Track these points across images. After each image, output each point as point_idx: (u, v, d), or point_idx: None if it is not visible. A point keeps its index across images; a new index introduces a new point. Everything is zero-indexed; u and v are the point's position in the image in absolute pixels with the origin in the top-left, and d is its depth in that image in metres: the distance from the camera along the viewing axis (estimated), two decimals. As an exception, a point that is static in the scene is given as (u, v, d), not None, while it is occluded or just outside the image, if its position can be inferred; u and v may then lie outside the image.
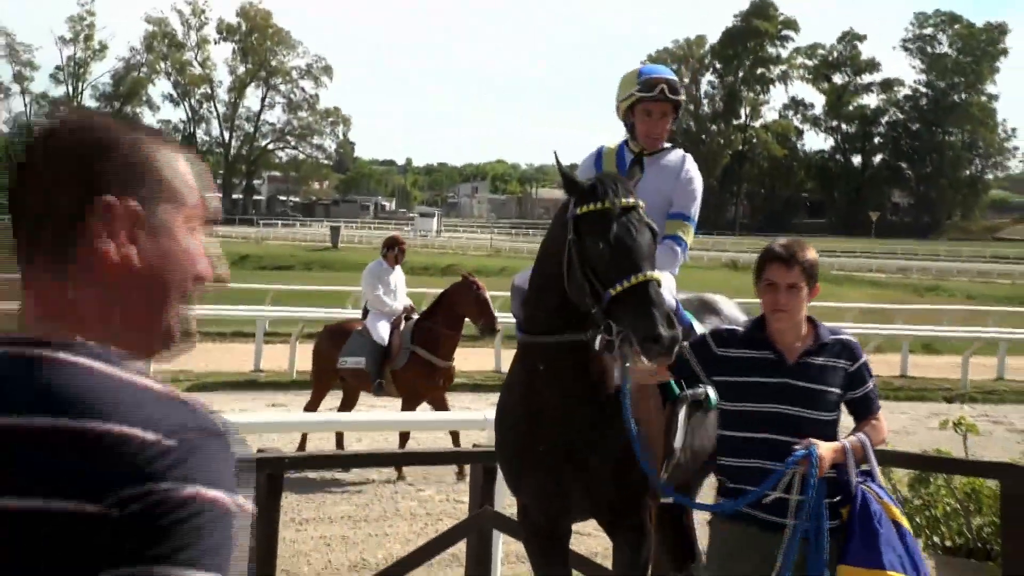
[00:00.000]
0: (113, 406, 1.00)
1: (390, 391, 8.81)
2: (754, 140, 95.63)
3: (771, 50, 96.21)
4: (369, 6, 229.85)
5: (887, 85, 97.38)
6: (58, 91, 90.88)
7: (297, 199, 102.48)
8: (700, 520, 5.16)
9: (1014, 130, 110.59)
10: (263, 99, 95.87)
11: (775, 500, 3.16)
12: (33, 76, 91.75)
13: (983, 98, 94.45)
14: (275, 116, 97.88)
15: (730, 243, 62.54)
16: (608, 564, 4.58)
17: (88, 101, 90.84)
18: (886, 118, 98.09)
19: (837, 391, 3.27)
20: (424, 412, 8.68)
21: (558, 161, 3.60)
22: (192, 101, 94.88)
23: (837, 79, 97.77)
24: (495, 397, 4.26)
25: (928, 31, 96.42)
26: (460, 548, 5.32)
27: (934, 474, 5.29)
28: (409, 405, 8.74)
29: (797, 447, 3.13)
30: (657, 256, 3.37)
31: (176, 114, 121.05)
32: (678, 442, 3.70)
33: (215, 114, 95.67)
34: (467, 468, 6.99)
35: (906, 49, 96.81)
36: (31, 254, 1.10)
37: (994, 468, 4.71)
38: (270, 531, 4.07)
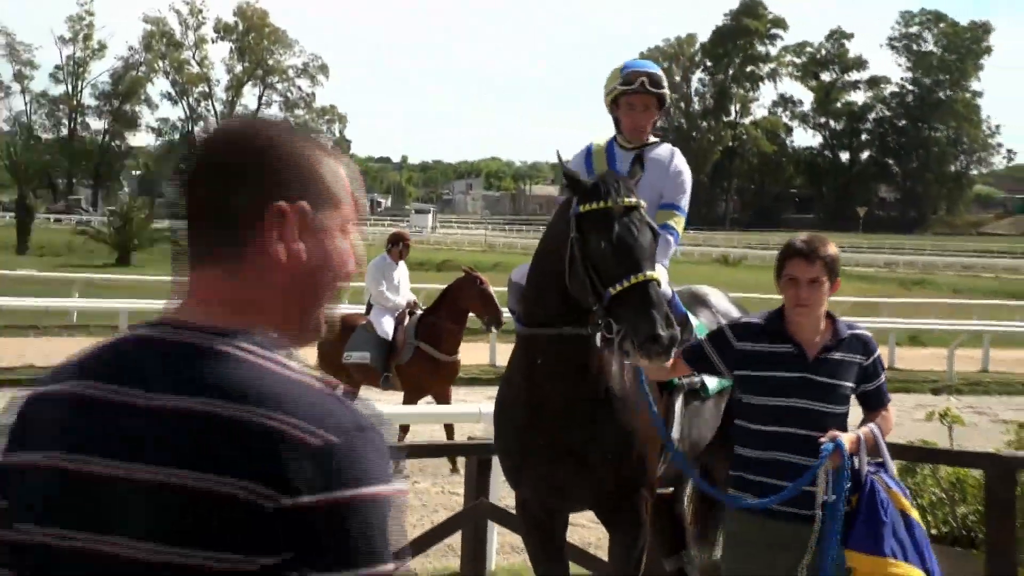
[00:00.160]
0: (281, 401, 1.04)
1: (395, 385, 8.81)
2: (744, 137, 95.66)
3: (760, 48, 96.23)
4: (369, 6, 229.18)
5: (874, 82, 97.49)
6: (58, 90, 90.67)
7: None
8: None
9: (998, 127, 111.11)
10: (260, 97, 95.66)
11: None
12: (33, 75, 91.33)
13: (968, 95, 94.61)
14: (272, 114, 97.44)
15: (721, 238, 62.58)
16: (602, 554, 4.59)
17: (88, 100, 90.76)
18: (873, 115, 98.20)
19: (852, 385, 3.29)
20: (420, 405, 8.67)
21: (560, 160, 3.61)
22: (190, 99, 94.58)
23: (825, 76, 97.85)
24: (490, 390, 4.26)
25: (914, 29, 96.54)
26: (455, 539, 5.33)
27: (920, 464, 5.31)
28: (411, 399, 8.74)
29: (823, 440, 3.13)
30: None
31: (174, 112, 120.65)
32: (675, 432, 3.70)
33: (213, 112, 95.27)
34: (460, 461, 7.00)
35: (892, 47, 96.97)
36: (204, 255, 1.16)
37: (978, 458, 4.73)
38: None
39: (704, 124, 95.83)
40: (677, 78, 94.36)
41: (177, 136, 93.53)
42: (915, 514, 3.30)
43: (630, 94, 3.88)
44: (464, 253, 38.00)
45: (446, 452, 7.46)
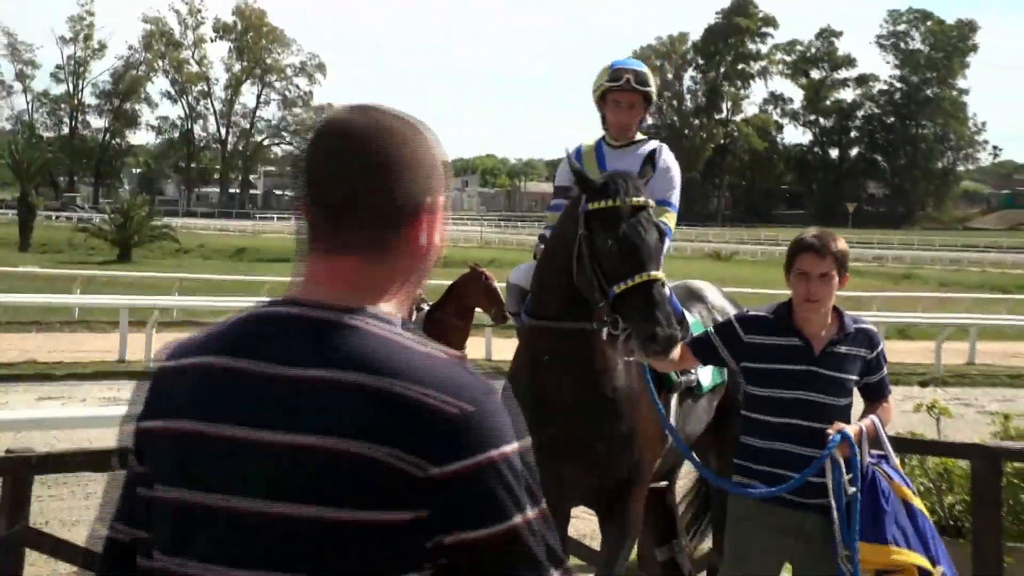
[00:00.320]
0: (417, 372, 1.10)
1: None
2: (735, 134, 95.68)
3: (751, 46, 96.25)
4: (369, 6, 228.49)
5: (863, 80, 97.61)
6: (59, 89, 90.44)
7: (292, 193, 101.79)
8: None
9: (984, 124, 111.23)
10: (258, 96, 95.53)
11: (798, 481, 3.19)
12: (34, 74, 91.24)
13: (954, 93, 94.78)
14: (270, 112, 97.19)
15: (713, 234, 62.63)
16: (596, 545, 4.60)
17: (88, 98, 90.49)
18: (862, 112, 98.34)
19: (856, 378, 3.29)
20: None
21: (570, 158, 3.60)
22: (189, 98, 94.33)
23: (815, 74, 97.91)
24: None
25: (901, 28, 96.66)
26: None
27: (909, 455, 5.32)
28: None
29: (830, 432, 3.13)
30: None
31: (174, 111, 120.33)
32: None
33: (212, 111, 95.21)
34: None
35: (880, 45, 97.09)
36: (345, 245, 1.19)
37: (965, 449, 4.74)
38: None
39: (696, 122, 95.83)
40: (669, 76, 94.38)
41: (177, 134, 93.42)
42: (918, 503, 3.30)
43: (616, 91, 3.88)
44: (460, 249, 37.98)
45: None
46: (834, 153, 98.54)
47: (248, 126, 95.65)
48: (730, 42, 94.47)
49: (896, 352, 16.79)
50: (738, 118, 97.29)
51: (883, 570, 3.17)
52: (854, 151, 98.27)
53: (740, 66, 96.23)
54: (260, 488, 1.09)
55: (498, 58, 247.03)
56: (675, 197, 3.97)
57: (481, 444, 1.08)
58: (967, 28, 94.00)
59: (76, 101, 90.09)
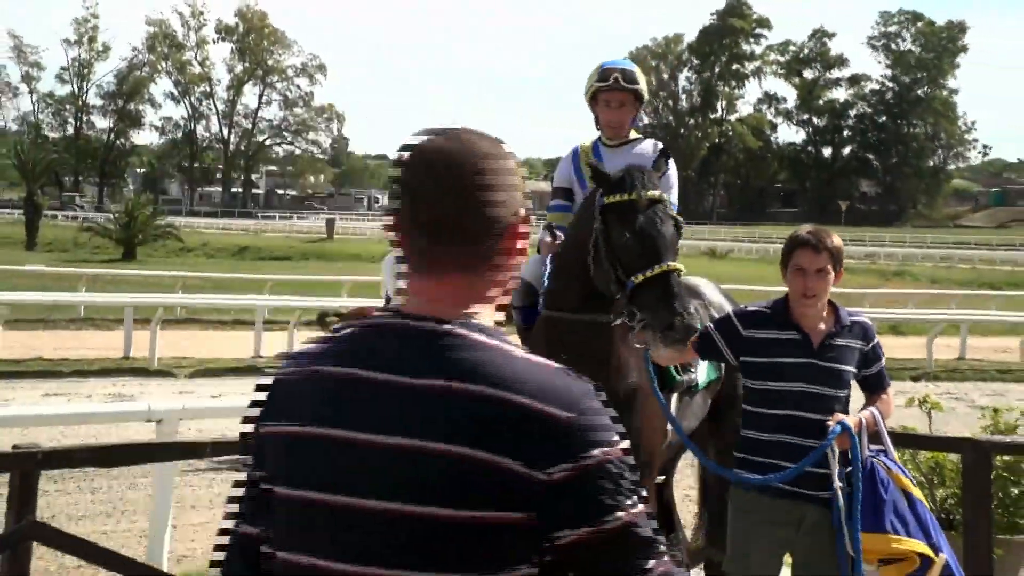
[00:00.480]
0: (525, 380, 1.16)
1: None
2: (730, 133, 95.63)
3: (745, 47, 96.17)
4: (369, 6, 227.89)
5: (855, 80, 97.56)
6: (64, 90, 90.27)
7: (294, 192, 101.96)
8: (681, 496, 5.17)
9: (974, 123, 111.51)
10: (260, 96, 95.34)
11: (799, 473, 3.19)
12: (40, 76, 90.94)
13: (944, 92, 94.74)
14: (272, 113, 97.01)
15: (708, 232, 62.60)
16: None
17: (93, 99, 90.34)
18: (854, 111, 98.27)
19: (854, 370, 3.31)
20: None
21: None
22: (192, 99, 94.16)
23: (808, 74, 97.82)
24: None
25: (893, 29, 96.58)
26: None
27: (901, 449, 5.32)
28: None
29: (830, 423, 3.14)
30: None
31: (177, 111, 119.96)
32: (669, 425, 3.71)
33: (214, 111, 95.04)
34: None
35: (872, 46, 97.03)
36: (450, 260, 1.24)
37: (956, 443, 4.74)
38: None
39: (691, 121, 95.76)
40: (665, 76, 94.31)
41: (180, 134, 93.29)
42: (917, 493, 3.30)
43: (605, 91, 3.89)
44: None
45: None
46: (827, 152, 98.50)
47: (250, 126, 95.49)
48: (724, 43, 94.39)
49: (888, 348, 16.60)
50: (733, 117, 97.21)
51: (885, 559, 3.17)
52: (847, 150, 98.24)
53: (734, 66, 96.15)
54: (379, 488, 1.15)
55: (498, 58, 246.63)
56: (674, 196, 3.98)
57: (587, 446, 1.14)
58: (957, 29, 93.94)
59: (81, 102, 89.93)
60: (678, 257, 3.31)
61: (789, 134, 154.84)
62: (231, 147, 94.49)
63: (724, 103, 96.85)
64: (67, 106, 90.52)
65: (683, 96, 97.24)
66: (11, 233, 41.74)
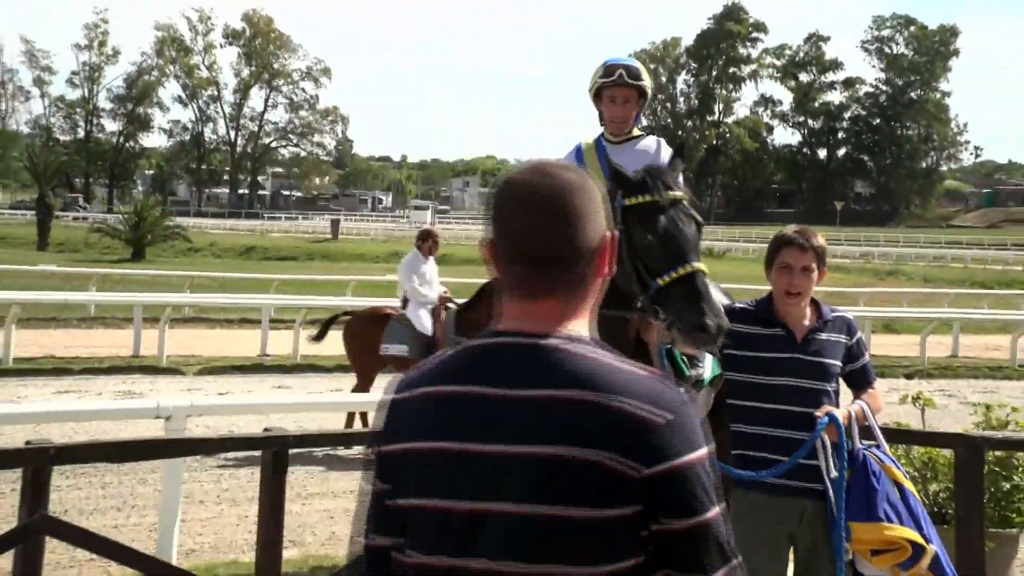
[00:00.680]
0: (625, 387, 1.26)
1: None
2: (727, 135, 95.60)
3: (742, 50, 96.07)
4: (369, 6, 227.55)
5: (849, 83, 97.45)
6: (75, 94, 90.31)
7: (299, 194, 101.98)
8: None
9: (966, 125, 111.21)
10: (266, 100, 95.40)
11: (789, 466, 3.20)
12: (51, 80, 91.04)
13: (937, 95, 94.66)
14: (278, 116, 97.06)
15: (706, 231, 62.34)
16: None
17: (103, 103, 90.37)
18: (849, 114, 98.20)
19: (839, 364, 3.31)
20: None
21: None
22: (200, 102, 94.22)
23: (804, 77, 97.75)
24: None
25: (886, 32, 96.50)
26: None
27: (894, 444, 5.32)
28: None
29: (818, 415, 3.15)
30: None
31: (185, 114, 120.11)
32: None
33: (221, 114, 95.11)
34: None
35: (866, 50, 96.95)
36: (551, 285, 1.33)
37: (948, 439, 4.74)
38: (276, 503, 4.07)
39: (689, 123, 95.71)
40: (663, 79, 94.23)
41: (188, 137, 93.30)
42: (909, 485, 3.29)
43: (610, 86, 3.86)
44: (462, 247, 37.95)
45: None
46: (822, 153, 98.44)
47: (256, 129, 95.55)
48: (722, 46, 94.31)
49: (882, 345, 16.81)
50: (730, 120, 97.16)
51: (878, 549, 3.17)
52: (841, 151, 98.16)
53: (731, 69, 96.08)
54: (507, 492, 1.24)
55: (498, 58, 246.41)
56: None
57: (682, 448, 1.25)
58: (949, 33, 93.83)
59: (91, 105, 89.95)
60: (700, 257, 3.27)
61: (785, 136, 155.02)
62: (238, 149, 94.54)
63: (721, 106, 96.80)
64: (78, 109, 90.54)
65: (681, 99, 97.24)
66: (23, 234, 41.75)
